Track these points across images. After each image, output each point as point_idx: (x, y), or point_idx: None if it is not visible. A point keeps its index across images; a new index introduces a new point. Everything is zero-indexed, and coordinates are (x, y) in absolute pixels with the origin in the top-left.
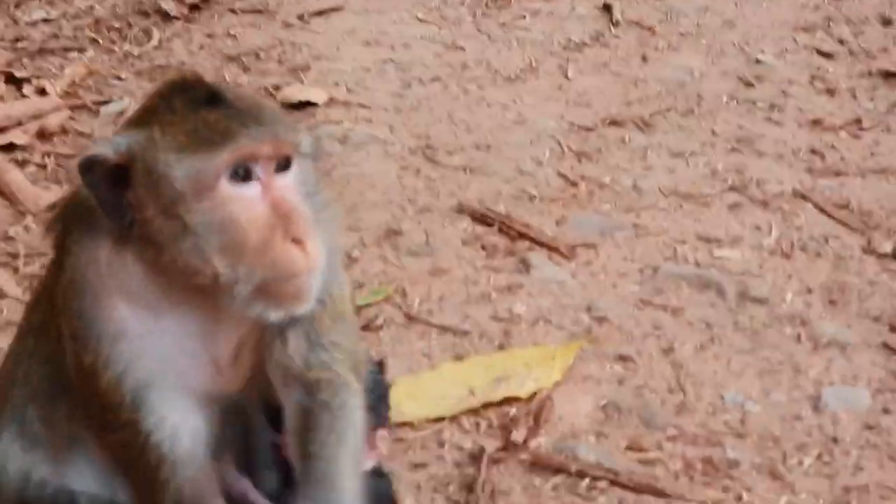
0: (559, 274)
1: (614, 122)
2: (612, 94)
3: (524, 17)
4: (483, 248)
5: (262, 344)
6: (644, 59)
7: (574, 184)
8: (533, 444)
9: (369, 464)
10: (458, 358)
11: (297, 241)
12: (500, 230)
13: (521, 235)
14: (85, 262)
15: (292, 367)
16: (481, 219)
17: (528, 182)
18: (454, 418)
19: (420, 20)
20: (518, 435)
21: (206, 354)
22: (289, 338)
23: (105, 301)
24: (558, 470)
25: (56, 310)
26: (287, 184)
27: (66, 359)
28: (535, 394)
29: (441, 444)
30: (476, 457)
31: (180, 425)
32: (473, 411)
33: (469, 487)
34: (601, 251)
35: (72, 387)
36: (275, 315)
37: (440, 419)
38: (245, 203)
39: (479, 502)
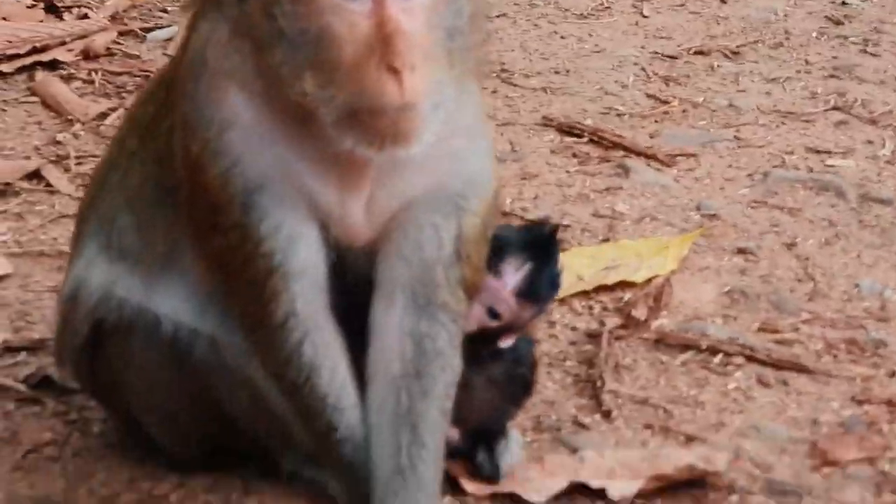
0: (661, 178)
1: (699, 52)
2: (692, 29)
3: None
4: (574, 155)
5: (408, 220)
6: (723, 0)
7: (665, 101)
8: (655, 324)
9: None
10: (562, 249)
11: (393, 71)
12: (592, 141)
13: (615, 145)
14: (206, 40)
15: (434, 268)
16: (569, 131)
17: (614, 101)
18: (563, 301)
19: None
20: (639, 313)
21: (330, 174)
22: (442, 230)
23: (219, 83)
24: (687, 346)
25: (172, 97)
26: (411, 6)
27: (174, 158)
28: (649, 281)
29: (552, 324)
30: (593, 335)
31: (294, 234)
32: (584, 294)
33: (589, 362)
34: (702, 160)
35: (176, 190)
36: (369, 152)
37: None
38: (344, 16)
39: (602, 374)
